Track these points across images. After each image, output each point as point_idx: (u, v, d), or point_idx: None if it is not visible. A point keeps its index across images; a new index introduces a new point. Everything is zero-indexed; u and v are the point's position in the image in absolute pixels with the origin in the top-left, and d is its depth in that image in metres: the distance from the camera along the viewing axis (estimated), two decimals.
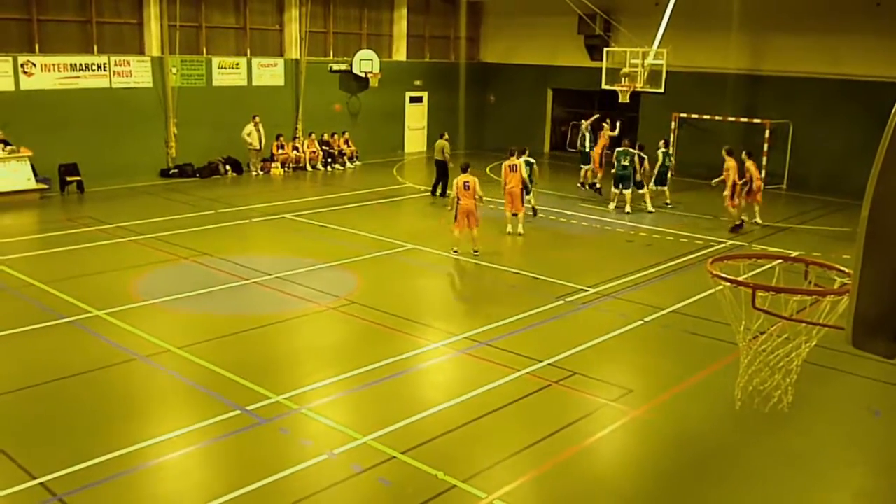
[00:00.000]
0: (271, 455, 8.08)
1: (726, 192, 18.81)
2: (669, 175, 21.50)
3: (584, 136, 23.05)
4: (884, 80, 22.04)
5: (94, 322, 11.74)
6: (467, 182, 15.65)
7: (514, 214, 17.77)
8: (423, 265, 15.69)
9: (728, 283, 4.71)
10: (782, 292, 4.56)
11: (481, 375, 10.22)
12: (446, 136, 22.34)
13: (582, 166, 23.12)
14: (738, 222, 19.00)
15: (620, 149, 20.81)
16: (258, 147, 24.92)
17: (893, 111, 2.62)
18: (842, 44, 24.12)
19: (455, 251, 16.01)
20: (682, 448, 8.68)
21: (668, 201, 21.35)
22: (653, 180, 21.38)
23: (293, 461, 7.94)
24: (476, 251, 15.92)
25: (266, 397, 9.30)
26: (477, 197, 15.69)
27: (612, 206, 21.01)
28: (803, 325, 4.58)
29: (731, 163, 18.75)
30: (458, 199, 15.70)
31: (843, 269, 4.33)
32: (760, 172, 20.01)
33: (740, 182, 18.78)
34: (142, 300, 12.83)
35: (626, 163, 20.57)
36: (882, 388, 10.25)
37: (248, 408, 9.03)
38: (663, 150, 21.32)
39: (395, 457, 8.04)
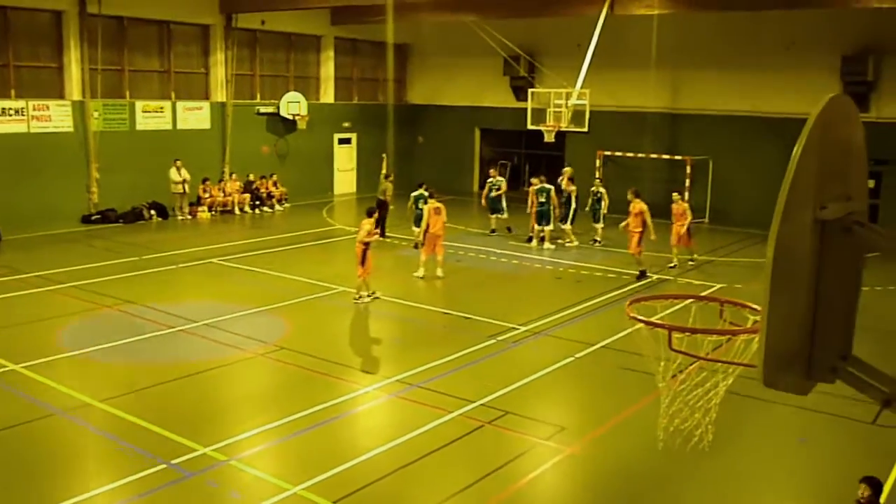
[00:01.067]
0: None
1: (634, 239, 17.92)
2: (602, 213, 21.71)
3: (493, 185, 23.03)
4: (796, 116, 22.94)
5: (10, 377, 11.28)
6: (364, 222, 15.51)
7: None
8: (354, 308, 15.56)
9: (645, 325, 4.79)
10: (697, 333, 4.66)
11: (414, 418, 10.14)
12: (391, 178, 22.43)
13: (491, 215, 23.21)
14: (643, 268, 18.10)
15: (537, 186, 21.20)
16: (182, 191, 24.54)
17: (792, 157, 2.72)
18: (757, 82, 25.10)
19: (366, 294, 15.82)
20: (615, 484, 8.72)
21: (598, 238, 21.58)
22: (569, 218, 21.77)
23: None
24: (362, 296, 15.59)
25: (192, 450, 9.04)
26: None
27: (535, 243, 21.32)
28: (720, 363, 4.68)
29: (640, 205, 18.04)
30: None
31: (755, 307, 4.46)
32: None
33: (677, 224, 18.85)
34: (62, 352, 12.39)
35: (544, 199, 21.02)
36: (808, 416, 10.50)
37: (174, 461, 8.76)
38: (594, 189, 21.79)
39: None
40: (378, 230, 15.84)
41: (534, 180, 21.74)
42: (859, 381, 3.11)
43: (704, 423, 5.12)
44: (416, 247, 19.56)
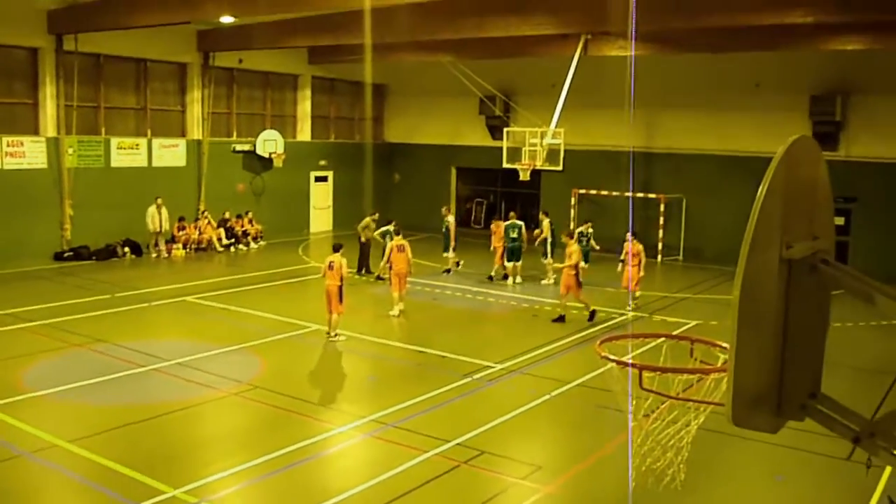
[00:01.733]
0: None
1: (573, 282, 17.22)
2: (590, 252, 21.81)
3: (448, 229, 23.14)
4: (767, 155, 23.22)
5: None
6: (332, 262, 15.47)
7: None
8: (328, 347, 15.46)
9: (616, 364, 4.81)
10: (667, 371, 4.67)
11: (389, 459, 10.03)
12: (376, 216, 22.50)
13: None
14: (563, 313, 17.51)
15: (509, 222, 21.55)
16: (159, 229, 24.40)
17: (757, 197, 2.76)
18: (728, 121, 25.56)
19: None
20: None
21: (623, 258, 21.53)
22: (550, 253, 22.10)
23: None
24: (332, 335, 15.55)
25: (163, 492, 8.87)
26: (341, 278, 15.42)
27: (510, 280, 21.45)
28: (691, 402, 4.69)
29: (575, 246, 17.81)
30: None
31: (724, 345, 4.48)
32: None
33: (631, 264, 18.53)
34: (30, 392, 12.17)
35: (515, 235, 21.34)
36: (783, 453, 10.50)
37: None
38: (580, 230, 21.97)
39: None
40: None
41: (511, 214, 22.27)
42: (828, 418, 3.12)
43: (676, 462, 5.11)
44: (378, 278, 19.93)
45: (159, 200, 24.29)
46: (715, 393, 4.39)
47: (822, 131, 23.40)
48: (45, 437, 10.41)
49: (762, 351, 3.00)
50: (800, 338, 3.05)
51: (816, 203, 3.25)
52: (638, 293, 19.26)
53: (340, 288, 15.28)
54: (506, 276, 21.83)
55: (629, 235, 19.27)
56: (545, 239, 22.47)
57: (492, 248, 22.66)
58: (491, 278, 21.97)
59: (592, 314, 17.50)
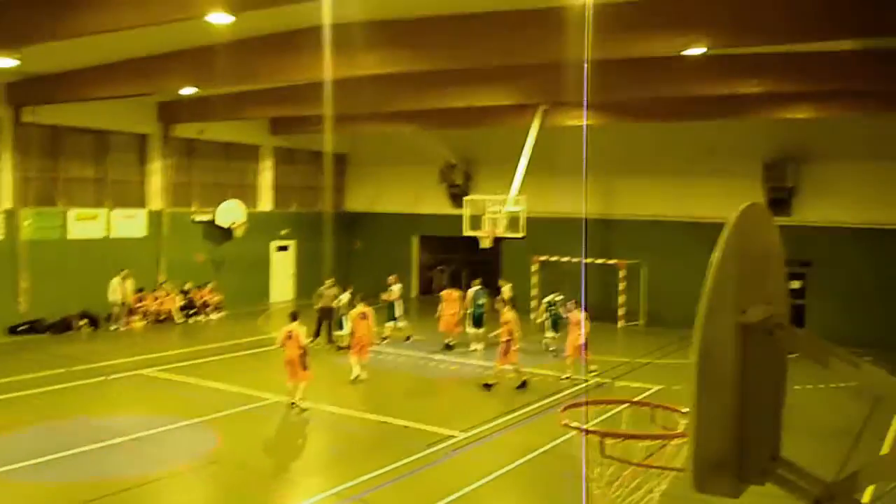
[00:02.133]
0: None
1: (510, 349, 17.28)
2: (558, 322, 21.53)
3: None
4: (722, 220, 23.69)
5: None
6: (291, 332, 15.51)
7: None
8: (289, 418, 15.22)
9: (578, 431, 4.81)
10: (628, 438, 4.69)
11: None
12: (332, 284, 22.38)
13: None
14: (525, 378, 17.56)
15: (477, 288, 21.88)
16: (122, 302, 24.02)
17: (710, 263, 2.83)
18: (685, 188, 26.13)
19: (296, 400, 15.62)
20: None
21: (553, 346, 21.35)
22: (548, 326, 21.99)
23: None
24: (296, 403, 15.44)
25: None
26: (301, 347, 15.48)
27: (473, 346, 21.45)
28: (653, 469, 4.69)
29: (509, 314, 17.66)
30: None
31: (684, 410, 4.51)
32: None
33: (573, 335, 18.33)
34: None
35: (482, 301, 21.60)
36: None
37: None
38: (548, 299, 22.04)
39: None
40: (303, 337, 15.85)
41: (474, 282, 22.55)
42: (788, 482, 3.15)
43: None
44: (339, 348, 20.11)
45: (125, 272, 23.97)
46: (677, 458, 4.41)
47: (775, 197, 24.00)
48: None
49: (721, 415, 3.03)
50: (758, 401, 3.09)
51: (769, 268, 3.33)
52: (569, 361, 18.40)
53: (302, 356, 15.19)
54: (449, 346, 21.52)
55: (571, 304, 19.53)
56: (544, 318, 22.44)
57: (438, 315, 22.03)
58: (449, 346, 21.66)
59: (523, 383, 17.40)
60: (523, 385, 17.36)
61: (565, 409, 5.02)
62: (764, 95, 20.16)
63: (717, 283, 2.91)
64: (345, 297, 21.20)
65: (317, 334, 21.81)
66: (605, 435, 4.44)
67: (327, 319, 21.91)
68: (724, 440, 3.04)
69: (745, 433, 3.10)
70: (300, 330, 15.57)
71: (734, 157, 25.29)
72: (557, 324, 21.41)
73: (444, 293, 22.45)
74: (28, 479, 11.51)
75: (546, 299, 21.86)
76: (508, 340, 17.19)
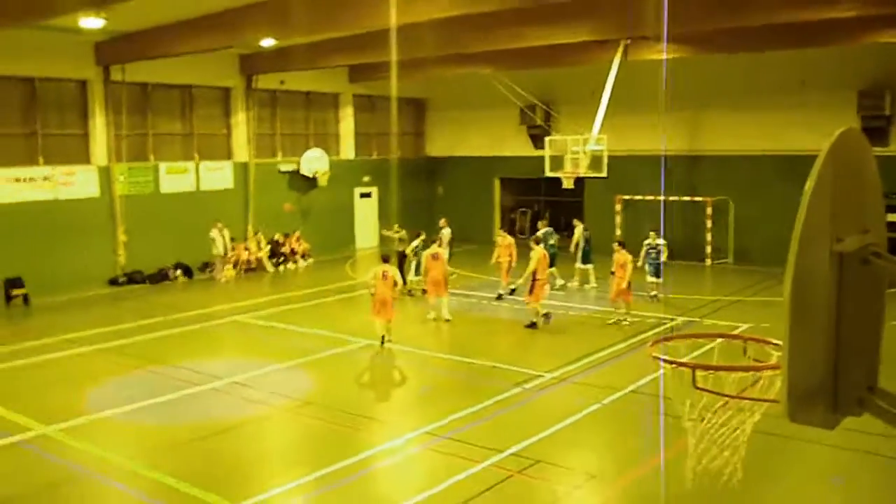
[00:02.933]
0: None
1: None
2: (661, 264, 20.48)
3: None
4: (813, 153, 22.85)
5: (40, 440, 11.35)
6: (386, 272, 15.95)
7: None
8: (380, 360, 15.59)
9: (668, 365, 4.79)
10: (720, 370, 4.64)
11: (444, 470, 10.07)
12: (400, 230, 22.92)
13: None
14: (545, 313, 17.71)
15: (548, 229, 21.85)
16: (222, 252, 24.71)
17: (805, 191, 2.75)
18: (774, 120, 25.17)
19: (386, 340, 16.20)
20: None
21: (656, 293, 20.37)
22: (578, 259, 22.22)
23: None
24: (389, 340, 16.12)
25: None
26: (395, 286, 16.21)
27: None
28: (745, 401, 4.66)
29: (536, 252, 17.54)
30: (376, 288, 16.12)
31: (777, 342, 4.45)
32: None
33: (618, 277, 17.74)
34: (91, 413, 12.46)
35: (553, 242, 21.46)
36: (841, 454, 10.32)
37: None
38: (649, 242, 20.43)
39: None
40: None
41: (540, 223, 22.63)
42: (887, 413, 3.09)
43: (733, 461, 5.07)
44: (421, 293, 20.35)
45: (220, 224, 24.63)
46: (770, 391, 4.36)
47: (871, 126, 22.93)
48: (108, 456, 10.65)
49: (816, 346, 2.97)
50: (854, 331, 3.02)
51: (866, 196, 3.22)
52: (622, 308, 17.90)
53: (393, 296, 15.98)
54: (512, 291, 20.57)
55: (616, 245, 18.58)
56: (577, 245, 22.61)
57: (494, 261, 21.40)
58: (500, 297, 20.73)
59: (545, 316, 17.63)
60: (541, 321, 17.53)
61: (654, 343, 4.99)
62: (857, 19, 19.11)
63: (811, 210, 2.84)
64: (417, 241, 21.43)
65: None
66: (695, 367, 4.41)
67: (398, 264, 22.18)
68: (818, 371, 3.00)
69: (840, 364, 3.04)
70: (394, 270, 16.16)
71: (826, 87, 24.21)
72: (659, 268, 20.17)
73: (498, 238, 21.85)
74: (132, 421, 12.15)
75: (646, 242, 20.36)
76: (535, 280, 17.34)
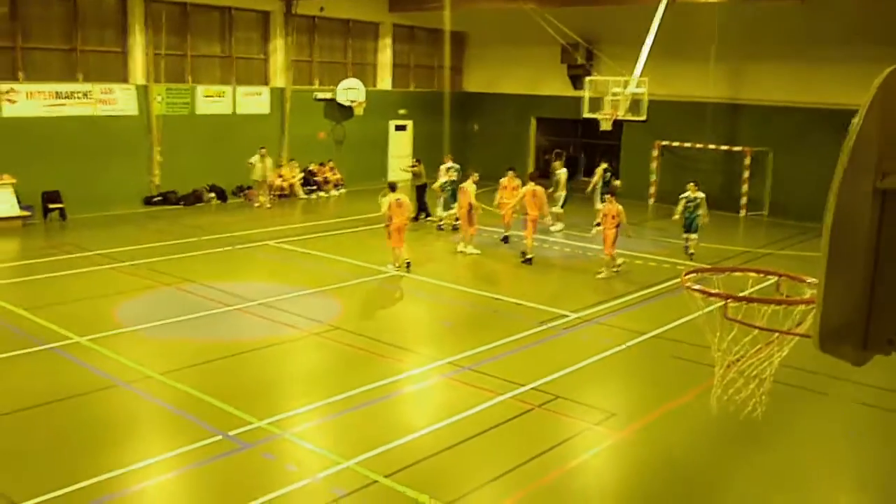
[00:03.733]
0: (255, 480, 8.04)
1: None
2: (701, 223, 19.03)
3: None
4: (857, 108, 22.36)
5: (74, 348, 11.67)
6: (400, 200, 16.49)
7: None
8: (407, 290, 15.73)
9: (700, 295, 4.79)
10: (752, 302, 4.64)
11: (465, 400, 10.22)
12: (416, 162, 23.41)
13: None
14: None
15: (562, 170, 22.06)
16: (261, 178, 24.72)
17: (852, 124, 2.70)
18: (819, 73, 24.50)
19: (396, 266, 16.79)
20: (665, 470, 8.70)
21: (692, 250, 19.05)
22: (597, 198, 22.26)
23: (276, 486, 7.90)
24: (407, 264, 16.67)
25: (249, 422, 9.26)
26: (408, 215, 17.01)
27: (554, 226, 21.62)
28: (775, 335, 4.66)
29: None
30: (391, 217, 16.45)
31: (811, 280, 4.43)
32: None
33: (607, 227, 16.81)
34: (123, 327, 12.76)
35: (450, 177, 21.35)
36: (860, 410, 10.34)
37: (231, 433, 8.98)
38: (687, 195, 18.91)
39: (377, 481, 8.02)
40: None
41: (554, 164, 22.75)
42: None
43: (758, 394, 5.10)
44: (452, 228, 20.70)
45: (263, 150, 24.52)
46: (801, 327, 4.36)
47: None
48: (139, 368, 10.94)
49: (851, 282, 2.96)
50: (891, 270, 3.00)
51: None
52: (620, 260, 17.27)
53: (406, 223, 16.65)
54: (505, 239, 19.95)
55: (608, 196, 17.84)
56: (594, 186, 22.64)
57: (497, 203, 20.05)
58: (506, 239, 20.00)
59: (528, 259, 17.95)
60: (529, 260, 17.95)
61: (687, 273, 4.98)
62: None
63: (857, 144, 2.79)
64: (445, 177, 21.35)
65: (420, 210, 22.18)
66: (728, 298, 4.41)
67: (421, 195, 22.26)
68: (851, 307, 2.98)
69: (874, 302, 3.03)
70: (405, 198, 16.69)
71: (872, 40, 23.40)
72: (693, 224, 18.79)
73: (503, 180, 20.30)
74: (165, 336, 12.43)
75: (683, 195, 18.95)
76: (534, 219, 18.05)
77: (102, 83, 22.95)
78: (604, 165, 22.63)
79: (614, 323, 13.77)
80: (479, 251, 18.52)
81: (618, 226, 16.85)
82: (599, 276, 16.95)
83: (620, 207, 16.93)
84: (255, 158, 24.25)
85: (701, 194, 18.75)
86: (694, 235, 18.85)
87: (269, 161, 24.66)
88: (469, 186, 18.73)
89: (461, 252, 18.53)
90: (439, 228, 21.18)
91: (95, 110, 22.76)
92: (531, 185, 18.35)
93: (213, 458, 8.46)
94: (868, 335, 3.03)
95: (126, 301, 14.19)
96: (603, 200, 21.99)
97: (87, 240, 18.90)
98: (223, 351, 11.78)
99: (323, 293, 15.09)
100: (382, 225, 17.05)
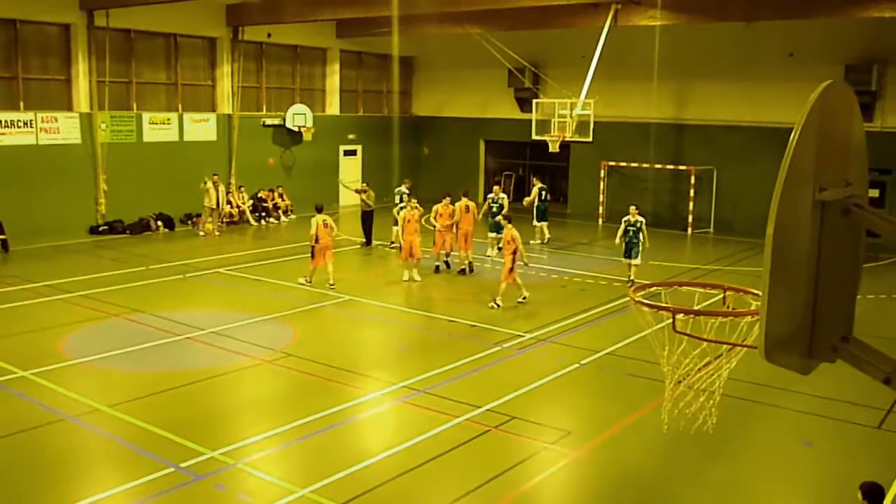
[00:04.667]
0: None
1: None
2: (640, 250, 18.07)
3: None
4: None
5: (19, 383, 11.35)
6: (326, 221, 17.31)
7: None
8: (359, 316, 15.64)
9: (649, 309, 4.86)
10: (700, 315, 4.72)
11: (420, 423, 10.17)
12: (366, 187, 23.04)
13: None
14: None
15: (493, 195, 21.50)
16: (214, 205, 24.41)
17: (791, 137, 2.78)
18: (761, 92, 25.19)
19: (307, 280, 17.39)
20: (621, 488, 8.74)
21: (632, 278, 18.09)
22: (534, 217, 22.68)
23: None
24: (333, 284, 16.86)
25: (201, 453, 9.09)
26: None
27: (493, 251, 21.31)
28: (723, 347, 4.74)
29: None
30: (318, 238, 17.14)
31: (756, 292, 4.52)
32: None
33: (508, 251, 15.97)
34: (70, 359, 12.47)
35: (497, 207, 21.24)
36: (812, 420, 10.53)
37: (183, 465, 8.81)
38: (629, 219, 17.96)
39: None
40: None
41: (495, 189, 21.85)
42: (859, 360, 3.16)
43: (708, 406, 5.18)
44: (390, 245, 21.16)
45: (216, 177, 24.30)
46: (748, 339, 4.44)
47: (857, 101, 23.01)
48: (87, 401, 10.68)
49: (794, 292, 3.03)
50: (832, 280, 3.08)
51: (850, 150, 3.26)
52: (524, 292, 16.22)
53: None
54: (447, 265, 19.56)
55: (503, 220, 17.27)
56: (532, 202, 22.84)
57: (439, 228, 19.02)
58: (447, 264, 19.53)
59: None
60: (463, 271, 18.99)
61: (636, 289, 5.04)
62: None
63: (795, 157, 2.87)
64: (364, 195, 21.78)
65: (367, 240, 22.16)
66: (676, 311, 4.48)
67: (368, 222, 22.17)
68: (795, 317, 3.05)
69: (817, 311, 3.10)
70: (330, 220, 17.37)
71: (814, 59, 24.20)
72: (633, 250, 17.80)
73: (437, 207, 19.29)
74: (113, 368, 12.16)
75: (624, 218, 18.00)
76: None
77: (45, 111, 22.55)
78: (538, 185, 22.80)
79: (568, 342, 13.86)
80: (420, 278, 18.30)
81: (514, 252, 15.82)
82: (490, 306, 15.92)
83: (516, 233, 15.96)
84: (208, 184, 23.95)
85: (641, 218, 17.85)
86: (636, 261, 17.84)
87: (222, 188, 24.42)
88: (410, 213, 18.44)
89: (409, 280, 18.26)
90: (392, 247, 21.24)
91: (38, 139, 22.32)
92: (464, 201, 19.05)
93: (164, 491, 8.28)
94: (812, 343, 3.11)
95: (72, 333, 13.87)
96: (541, 219, 22.45)
97: (30, 271, 18.45)
98: (174, 381, 11.57)
99: (275, 320, 14.94)
100: (308, 244, 17.27)
